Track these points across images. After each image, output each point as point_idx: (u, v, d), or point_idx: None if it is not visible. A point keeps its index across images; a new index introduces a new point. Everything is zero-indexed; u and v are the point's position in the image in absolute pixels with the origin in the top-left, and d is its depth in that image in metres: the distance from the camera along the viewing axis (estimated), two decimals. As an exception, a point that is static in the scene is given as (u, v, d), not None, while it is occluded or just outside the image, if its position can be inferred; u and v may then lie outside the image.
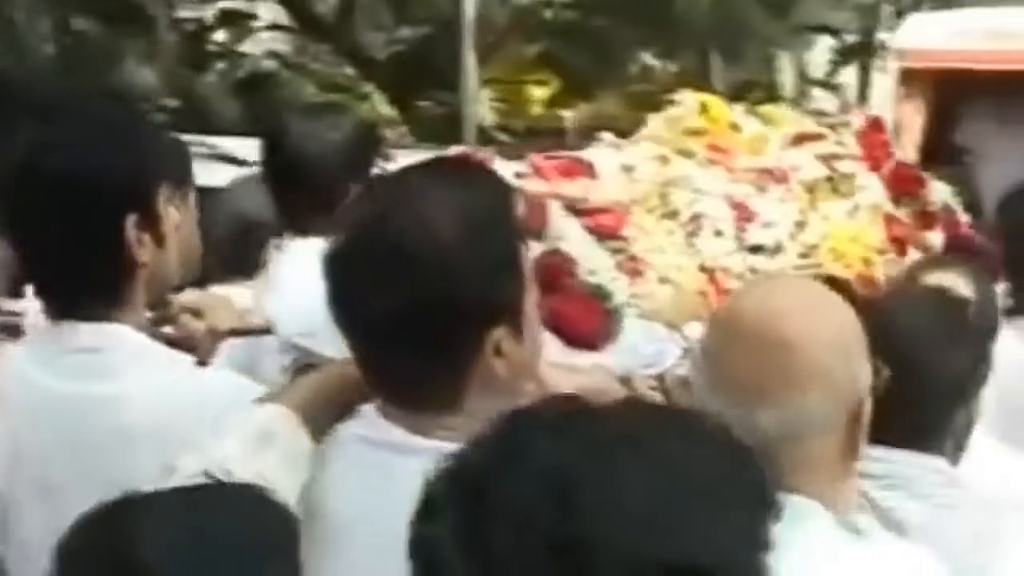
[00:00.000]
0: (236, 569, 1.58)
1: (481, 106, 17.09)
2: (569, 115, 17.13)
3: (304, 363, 3.07)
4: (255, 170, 3.72)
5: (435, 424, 1.98)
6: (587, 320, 2.78)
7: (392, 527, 1.54)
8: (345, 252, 1.97)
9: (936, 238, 4.36)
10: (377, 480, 1.99)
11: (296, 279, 3.18)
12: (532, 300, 2.05)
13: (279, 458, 2.04)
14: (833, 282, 2.95)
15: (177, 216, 2.44)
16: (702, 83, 16.11)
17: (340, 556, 1.99)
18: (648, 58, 17.99)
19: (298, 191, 3.34)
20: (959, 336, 2.82)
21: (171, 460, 1.98)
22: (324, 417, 2.17)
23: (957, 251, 4.29)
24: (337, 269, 1.98)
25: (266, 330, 3.17)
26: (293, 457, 2.07)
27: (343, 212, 2.11)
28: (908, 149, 5.11)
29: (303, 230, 3.35)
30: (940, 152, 6.66)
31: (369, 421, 2.07)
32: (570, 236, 2.91)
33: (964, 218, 4.40)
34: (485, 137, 15.98)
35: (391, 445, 2.01)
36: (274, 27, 18.17)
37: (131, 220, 2.31)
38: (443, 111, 17.09)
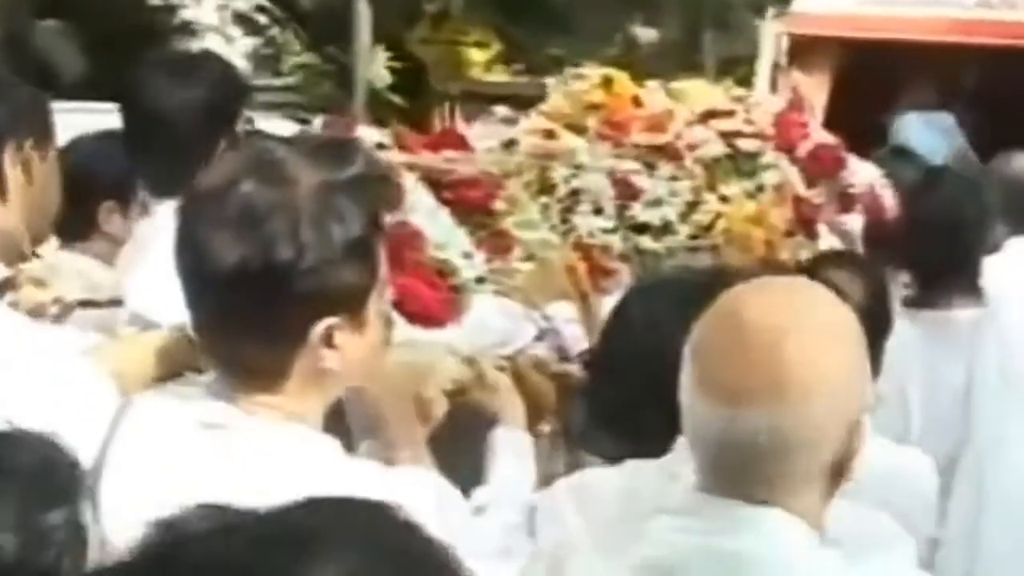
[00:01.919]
0: (17, 511, 1.58)
1: (375, 65, 16.73)
2: (509, 79, 16.91)
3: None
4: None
5: (259, 402, 1.96)
6: (430, 295, 2.73)
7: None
8: (193, 205, 1.95)
9: (856, 221, 4.33)
10: (191, 453, 1.96)
11: (153, 247, 3.14)
12: (381, 294, 2.03)
13: (76, 409, 2.03)
14: (722, 274, 2.90)
15: (21, 176, 2.37)
16: (691, 56, 15.97)
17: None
18: (638, 30, 17.77)
19: (157, 151, 3.21)
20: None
21: None
22: (148, 378, 2.17)
23: (876, 240, 4.25)
24: (183, 221, 1.95)
25: (118, 301, 3.12)
26: (91, 408, 2.05)
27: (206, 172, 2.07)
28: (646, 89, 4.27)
29: (166, 192, 3.23)
30: (870, 134, 6.00)
31: (190, 394, 2.05)
32: (421, 209, 2.86)
33: (890, 202, 4.36)
34: (378, 99, 15.66)
35: (202, 420, 1.97)
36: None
37: None
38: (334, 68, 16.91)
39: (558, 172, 3.33)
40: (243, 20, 18.17)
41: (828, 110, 7.33)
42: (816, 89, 7.21)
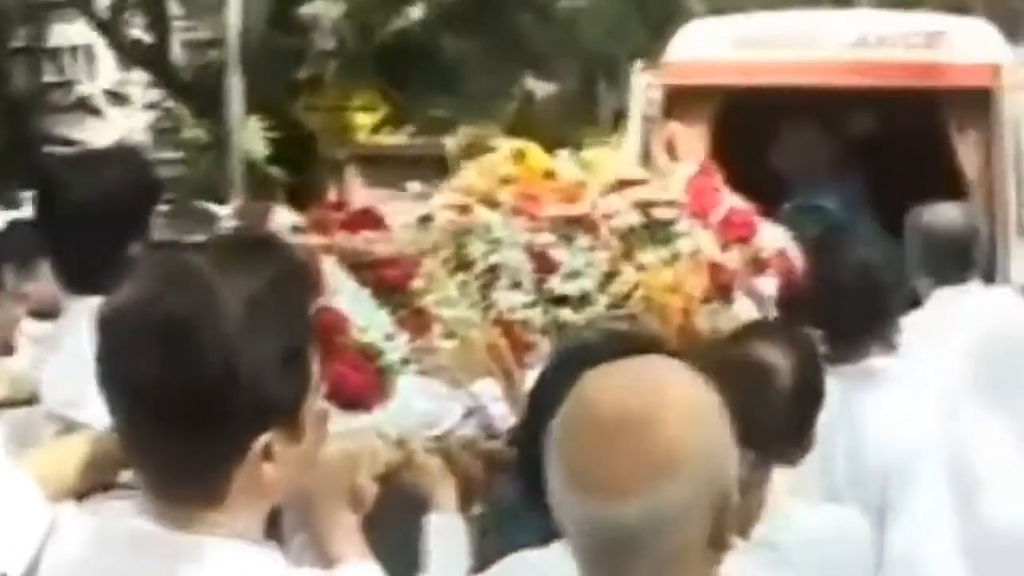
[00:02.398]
0: None
1: (249, 135, 16.60)
2: (400, 142, 16.89)
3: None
4: None
5: (196, 519, 1.88)
6: (357, 380, 2.72)
7: None
8: (116, 319, 1.89)
9: (769, 284, 4.37)
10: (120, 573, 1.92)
11: (67, 344, 3.11)
12: (316, 398, 1.97)
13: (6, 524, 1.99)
14: (649, 341, 2.92)
15: None
16: (588, 108, 16.13)
17: None
18: (535, 83, 17.94)
19: (69, 247, 3.18)
20: (766, 406, 2.86)
21: None
22: (74, 484, 2.13)
23: (789, 301, 4.30)
24: (105, 336, 1.89)
25: (33, 399, 3.10)
26: (19, 520, 2.01)
27: (125, 275, 2.02)
28: (558, 161, 4.15)
29: (79, 290, 3.22)
30: (760, 187, 5.36)
31: (123, 509, 2.00)
32: (343, 292, 2.85)
33: (799, 264, 4.42)
34: (254, 170, 15.60)
35: (137, 538, 1.93)
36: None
37: None
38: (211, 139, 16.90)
39: (475, 248, 3.34)
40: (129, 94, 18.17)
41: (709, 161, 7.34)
42: (695, 141, 7.02)
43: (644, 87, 7.12)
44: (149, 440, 1.87)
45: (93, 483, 2.31)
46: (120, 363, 1.86)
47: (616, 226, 3.74)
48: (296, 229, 3.05)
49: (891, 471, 3.61)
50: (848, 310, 3.87)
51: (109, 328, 1.88)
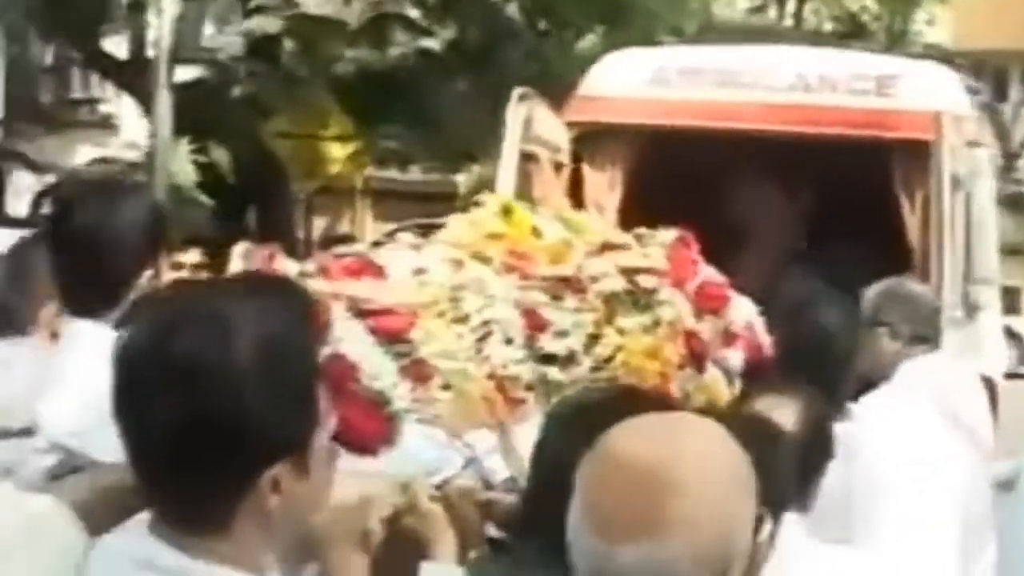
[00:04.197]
0: None
1: (177, 161, 16.53)
2: (371, 174, 16.94)
3: (70, 466, 3.11)
4: None
5: (204, 548, 2.00)
6: (367, 426, 2.87)
7: None
8: (132, 354, 2.00)
9: (736, 357, 4.56)
10: None
11: (70, 372, 3.21)
12: (324, 435, 2.09)
13: (43, 554, 2.08)
14: (640, 394, 3.10)
15: None
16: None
17: None
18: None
19: (80, 272, 3.29)
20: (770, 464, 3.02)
21: None
22: (107, 516, 2.19)
23: (755, 374, 4.48)
24: (121, 370, 2.01)
25: (27, 431, 3.17)
26: (56, 553, 2.10)
27: (139, 309, 2.13)
28: (544, 220, 4.09)
29: (83, 312, 3.32)
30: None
31: (134, 535, 2.09)
32: (352, 339, 3.01)
33: (765, 339, 4.60)
34: (179, 197, 15.53)
35: (153, 565, 2.02)
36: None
37: None
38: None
39: (471, 302, 3.50)
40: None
41: (623, 213, 6.59)
42: (607, 188, 6.62)
43: (523, 119, 6.36)
44: (161, 473, 2.00)
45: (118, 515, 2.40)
46: (134, 398, 1.97)
47: (601, 290, 3.91)
48: (303, 275, 3.18)
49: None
50: (807, 375, 3.97)
51: (125, 363, 2.00)
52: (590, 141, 6.74)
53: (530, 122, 6.24)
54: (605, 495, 1.87)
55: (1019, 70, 43.23)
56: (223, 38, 17.37)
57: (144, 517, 2.15)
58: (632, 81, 6.94)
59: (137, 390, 1.97)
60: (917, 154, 6.28)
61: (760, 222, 7.14)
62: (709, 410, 3.21)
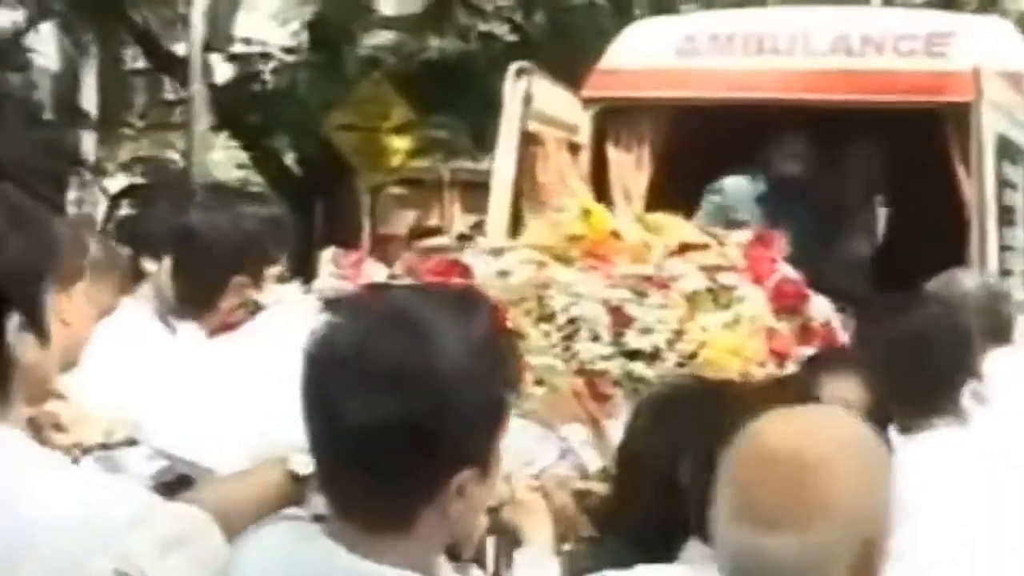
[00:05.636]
0: None
1: (214, 155, 16.51)
2: (458, 166, 16.90)
3: (176, 474, 3.24)
4: None
5: (385, 547, 2.04)
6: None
7: None
8: (331, 357, 2.02)
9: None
10: None
11: (173, 382, 3.32)
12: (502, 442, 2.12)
13: (191, 560, 2.17)
14: (724, 387, 3.20)
15: (63, 311, 2.39)
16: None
17: None
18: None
19: (194, 275, 3.39)
20: None
21: (82, 559, 2.07)
22: (242, 520, 2.24)
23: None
24: (319, 373, 2.04)
25: (131, 442, 3.29)
26: (205, 560, 2.19)
27: (334, 313, 2.16)
28: (622, 221, 4.07)
29: (187, 314, 3.42)
30: None
31: (306, 535, 2.15)
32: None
33: (843, 336, 4.69)
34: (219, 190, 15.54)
35: (327, 562, 2.07)
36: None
37: (13, 320, 2.18)
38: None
39: (557, 300, 3.62)
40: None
41: (652, 195, 6.23)
42: (633, 169, 6.24)
43: (522, 96, 5.76)
44: (354, 473, 2.01)
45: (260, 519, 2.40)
46: (333, 401, 1.99)
47: (682, 288, 4.02)
48: (392, 277, 3.31)
49: None
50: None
51: (323, 363, 2.02)
52: (613, 119, 6.27)
53: (530, 99, 5.67)
54: (758, 488, 1.97)
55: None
56: (282, 30, 17.44)
57: (294, 513, 2.22)
58: (658, 51, 6.41)
59: (337, 393, 1.99)
60: (969, 118, 5.58)
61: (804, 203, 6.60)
62: (760, 385, 3.32)
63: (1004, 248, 5.61)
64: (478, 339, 2.02)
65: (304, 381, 2.03)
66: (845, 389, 3.33)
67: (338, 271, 3.50)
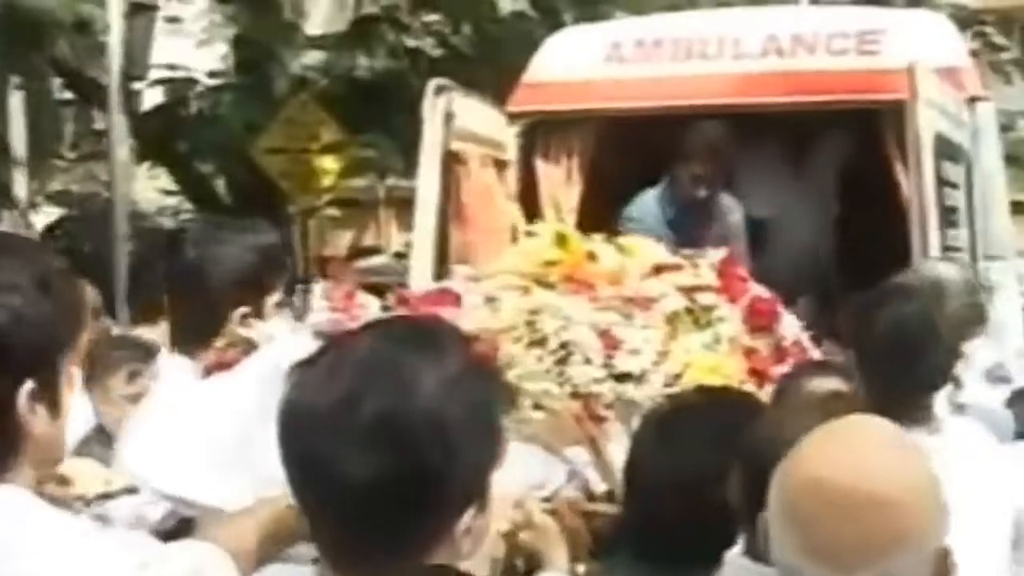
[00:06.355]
0: None
1: (137, 184, 16.39)
2: (394, 184, 16.85)
3: (179, 518, 3.24)
4: None
5: None
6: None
7: None
8: (316, 418, 1.94)
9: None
10: None
11: (164, 422, 3.31)
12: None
13: None
14: (731, 393, 3.25)
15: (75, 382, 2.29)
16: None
17: None
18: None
19: (188, 305, 3.36)
20: None
21: None
22: (254, 555, 2.26)
23: None
24: (303, 437, 1.95)
25: (131, 489, 3.29)
26: None
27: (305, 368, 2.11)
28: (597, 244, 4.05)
29: (185, 348, 3.39)
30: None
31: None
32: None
33: (815, 354, 4.75)
34: (137, 221, 15.44)
35: None
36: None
37: (26, 388, 2.10)
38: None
39: (548, 325, 3.66)
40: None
41: (583, 209, 6.08)
42: (563, 183, 6.08)
43: (442, 114, 5.52)
44: (357, 529, 1.94)
45: (270, 555, 2.42)
46: (326, 463, 1.91)
47: (663, 309, 4.07)
48: (384, 308, 3.33)
49: None
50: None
51: (307, 430, 1.94)
52: (541, 133, 6.10)
53: (452, 117, 5.48)
54: (830, 528, 1.95)
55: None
56: (210, 55, 17.36)
57: (298, 553, 2.23)
58: (584, 61, 6.26)
59: (330, 455, 1.91)
60: (905, 117, 5.42)
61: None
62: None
63: (948, 248, 5.52)
64: (462, 372, 1.95)
65: (286, 437, 1.95)
66: (830, 383, 3.37)
67: (330, 304, 3.52)
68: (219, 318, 3.26)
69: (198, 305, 3.30)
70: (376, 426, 1.88)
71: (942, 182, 5.46)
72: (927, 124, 5.24)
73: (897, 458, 2.03)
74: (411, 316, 3.14)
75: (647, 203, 5.98)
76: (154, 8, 15.22)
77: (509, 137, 6.07)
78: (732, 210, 6.19)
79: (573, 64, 6.25)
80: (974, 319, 4.65)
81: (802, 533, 1.98)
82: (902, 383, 3.58)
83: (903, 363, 3.58)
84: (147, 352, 4.25)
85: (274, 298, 3.31)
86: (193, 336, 3.30)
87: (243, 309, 3.27)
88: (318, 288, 3.57)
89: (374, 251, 10.32)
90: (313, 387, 1.95)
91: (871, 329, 3.66)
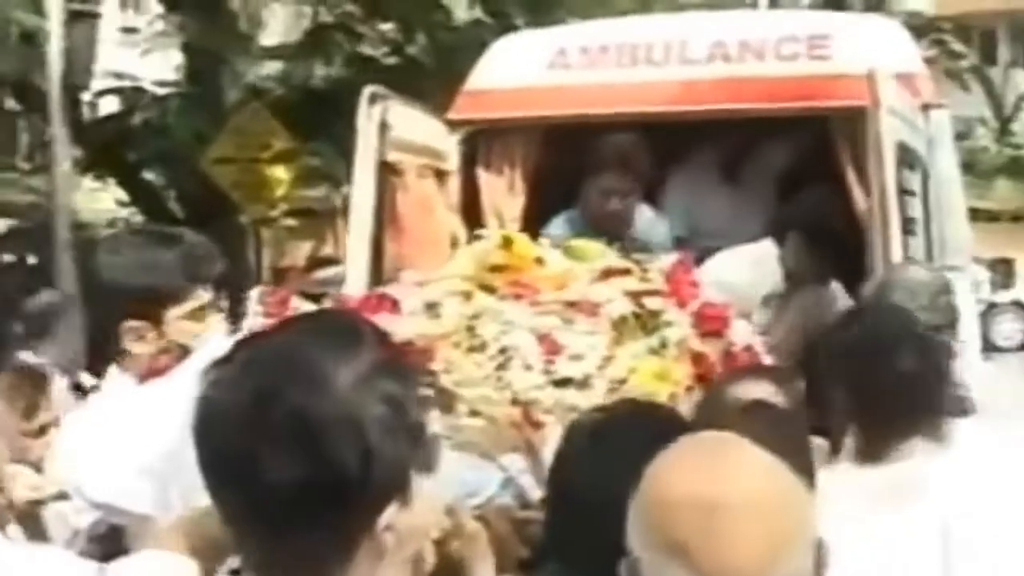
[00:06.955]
0: None
1: (77, 193, 16.32)
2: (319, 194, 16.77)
3: (108, 525, 3.23)
4: None
5: None
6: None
7: None
8: (230, 418, 1.91)
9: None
10: None
11: (95, 429, 3.30)
12: None
13: None
14: (648, 410, 3.23)
15: None
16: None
17: None
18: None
19: (93, 318, 3.38)
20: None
21: None
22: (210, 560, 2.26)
23: None
24: (218, 436, 1.92)
25: (62, 495, 3.27)
26: None
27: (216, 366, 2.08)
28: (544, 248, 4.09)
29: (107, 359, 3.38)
30: None
31: None
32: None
33: (767, 359, 4.75)
34: (80, 230, 15.39)
35: None
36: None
37: None
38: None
39: (488, 330, 3.64)
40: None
41: (527, 218, 5.98)
42: (506, 193, 6.01)
43: (377, 124, 5.42)
44: (276, 531, 1.92)
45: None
46: (240, 462, 1.89)
47: (609, 314, 4.06)
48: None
49: None
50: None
51: (220, 428, 1.91)
52: (483, 141, 6.01)
53: (387, 127, 5.38)
54: (735, 543, 1.92)
55: (1006, 30, 40.77)
56: (163, 64, 17.29)
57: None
58: (526, 68, 6.15)
59: (246, 455, 1.88)
60: (860, 123, 5.29)
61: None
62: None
63: (906, 258, 5.33)
64: (377, 367, 1.93)
65: (200, 436, 1.92)
66: (756, 390, 3.33)
67: (263, 309, 3.50)
68: (112, 328, 3.23)
69: (96, 314, 3.30)
70: (289, 423, 1.86)
71: (901, 191, 5.36)
72: (890, 131, 5.12)
73: (774, 467, 2.00)
74: (326, 311, 3.11)
75: (560, 222, 5.88)
76: (95, 16, 15.00)
77: (451, 146, 5.99)
78: (653, 223, 6.08)
79: (516, 71, 6.15)
80: (946, 322, 4.54)
81: (700, 556, 1.92)
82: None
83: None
84: (34, 383, 4.16)
85: (177, 311, 3.26)
86: (102, 344, 3.30)
87: (132, 323, 3.23)
88: (254, 293, 3.52)
89: (333, 261, 10.18)
90: (226, 385, 1.92)
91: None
